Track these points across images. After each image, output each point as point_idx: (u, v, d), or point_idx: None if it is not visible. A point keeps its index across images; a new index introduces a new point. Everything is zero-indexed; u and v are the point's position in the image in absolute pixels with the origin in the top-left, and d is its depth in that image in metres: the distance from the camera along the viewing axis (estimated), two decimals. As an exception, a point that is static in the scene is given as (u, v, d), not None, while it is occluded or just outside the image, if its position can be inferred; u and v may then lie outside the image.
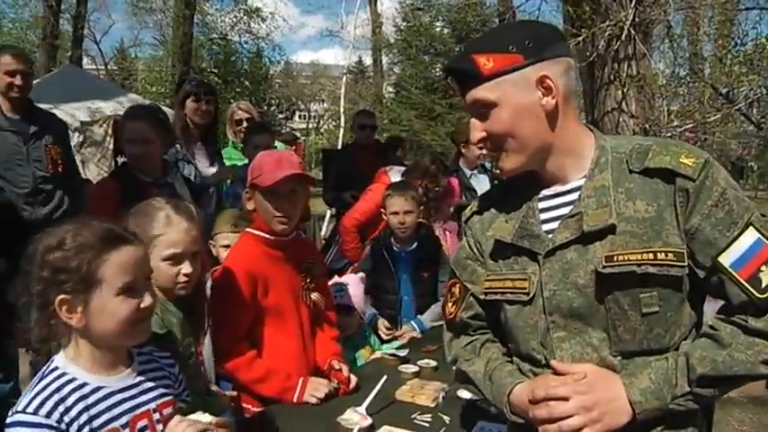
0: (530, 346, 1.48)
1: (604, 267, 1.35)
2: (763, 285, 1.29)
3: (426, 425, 2.17)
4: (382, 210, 3.60)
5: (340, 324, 3.09)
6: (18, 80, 3.80)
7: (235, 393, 2.30)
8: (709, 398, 1.36)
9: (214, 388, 2.31)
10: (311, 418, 2.22)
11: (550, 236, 1.44)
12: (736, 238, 1.31)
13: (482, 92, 1.42)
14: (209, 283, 2.35)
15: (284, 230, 2.43)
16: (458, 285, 1.65)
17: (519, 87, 1.40)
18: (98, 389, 1.45)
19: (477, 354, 1.63)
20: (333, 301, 2.79)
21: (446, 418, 2.21)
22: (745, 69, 6.35)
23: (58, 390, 1.41)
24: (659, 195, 1.36)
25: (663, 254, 1.33)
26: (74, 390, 1.42)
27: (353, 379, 2.46)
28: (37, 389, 1.41)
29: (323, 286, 2.69)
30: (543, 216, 1.48)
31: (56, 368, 1.44)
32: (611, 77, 5.60)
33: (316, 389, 2.35)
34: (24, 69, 3.87)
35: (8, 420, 1.37)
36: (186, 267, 2.01)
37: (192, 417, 1.52)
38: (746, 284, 1.31)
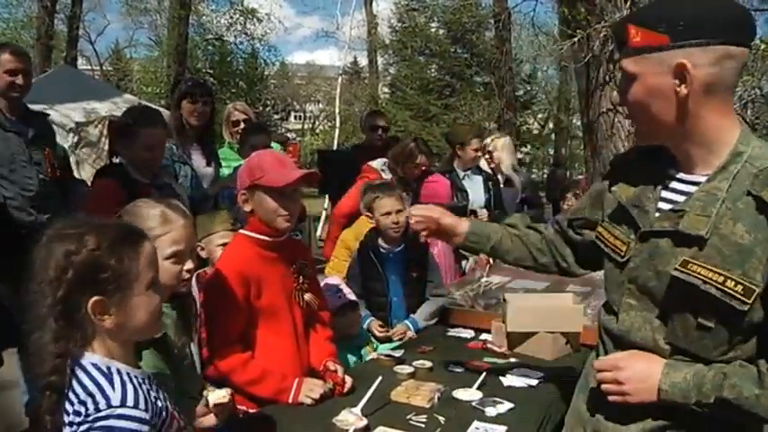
0: (611, 297, 1.63)
1: (676, 270, 1.42)
2: None
3: (422, 426, 2.17)
4: (367, 213, 3.59)
5: (347, 322, 3.12)
6: (20, 80, 3.62)
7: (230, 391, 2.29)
8: (722, 416, 1.43)
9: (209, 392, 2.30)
10: (306, 419, 2.22)
11: (655, 218, 1.51)
12: None
13: (627, 62, 1.47)
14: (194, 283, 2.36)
15: (288, 228, 2.46)
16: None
17: (657, 68, 1.40)
18: (144, 379, 1.45)
19: None
20: (326, 302, 2.79)
21: (441, 419, 2.21)
22: (739, 70, 6.39)
23: (132, 383, 1.39)
24: (760, 228, 1.35)
25: (733, 283, 1.34)
26: (139, 383, 1.41)
27: (348, 380, 2.45)
28: (118, 383, 1.36)
29: (315, 287, 2.69)
30: (665, 195, 1.52)
31: (106, 366, 1.39)
32: (607, 78, 5.62)
33: (311, 389, 2.34)
34: (26, 68, 3.70)
35: (103, 414, 1.31)
36: (189, 264, 2.02)
37: (211, 397, 1.73)
38: None
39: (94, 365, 1.37)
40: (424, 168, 4.65)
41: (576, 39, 5.52)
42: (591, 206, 1.84)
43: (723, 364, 1.42)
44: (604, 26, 5.38)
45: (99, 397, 1.33)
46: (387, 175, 4.47)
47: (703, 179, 1.45)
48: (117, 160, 3.46)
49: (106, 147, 10.06)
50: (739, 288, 1.33)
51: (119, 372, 1.38)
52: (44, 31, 17.06)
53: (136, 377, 1.42)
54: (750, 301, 1.33)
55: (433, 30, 25.54)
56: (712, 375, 1.41)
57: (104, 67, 29.07)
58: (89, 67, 27.39)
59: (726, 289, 1.35)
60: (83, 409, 1.32)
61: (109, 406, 1.32)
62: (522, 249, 2.08)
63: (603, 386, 1.56)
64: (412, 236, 3.59)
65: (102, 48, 36.84)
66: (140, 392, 1.37)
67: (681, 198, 1.48)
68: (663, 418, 1.52)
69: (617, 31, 1.51)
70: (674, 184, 1.52)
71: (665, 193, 1.52)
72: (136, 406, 1.34)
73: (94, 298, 1.36)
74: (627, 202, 1.58)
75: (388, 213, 3.44)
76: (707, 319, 1.39)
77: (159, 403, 1.43)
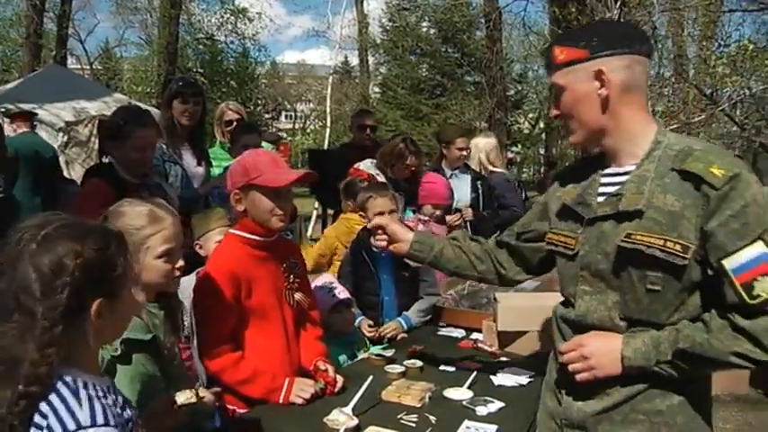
0: (567, 292, 1.83)
1: (623, 241, 1.62)
2: (755, 293, 1.49)
3: (413, 425, 2.17)
4: (361, 213, 3.59)
5: (342, 320, 3.13)
6: None
7: (219, 390, 2.28)
8: (688, 372, 1.60)
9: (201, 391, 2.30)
10: (297, 419, 2.22)
11: (597, 207, 1.72)
12: (743, 248, 1.50)
13: (555, 77, 1.74)
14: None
15: (281, 228, 2.47)
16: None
17: (581, 77, 1.68)
18: (108, 389, 1.39)
19: None
20: (316, 301, 2.79)
21: (432, 419, 2.21)
22: (728, 71, 6.42)
23: (98, 398, 1.32)
24: (687, 195, 1.56)
25: (672, 243, 1.56)
26: (104, 394, 1.35)
27: (339, 379, 2.45)
28: (85, 400, 1.29)
29: (306, 286, 2.68)
30: (602, 189, 1.75)
31: (73, 380, 1.31)
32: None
33: (301, 389, 2.34)
34: None
35: None
36: (179, 261, 2.02)
37: (179, 397, 1.69)
38: (740, 289, 1.50)
39: (62, 379, 1.30)
40: (413, 169, 4.62)
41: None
42: (538, 219, 2.05)
43: (672, 326, 1.62)
44: (595, 26, 5.40)
45: (67, 418, 1.26)
46: (381, 178, 4.38)
47: (633, 167, 1.68)
48: (106, 160, 3.45)
49: (96, 146, 10.04)
50: (678, 247, 1.55)
51: (85, 386, 1.31)
52: (33, 30, 16.96)
53: (101, 388, 1.35)
54: (688, 257, 1.54)
55: (423, 29, 25.56)
56: (666, 334, 1.61)
57: (94, 67, 28.92)
58: (79, 67, 27.25)
59: (667, 249, 1.56)
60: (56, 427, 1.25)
61: (78, 427, 1.25)
62: (462, 258, 2.25)
63: (571, 366, 1.72)
64: None
65: (92, 47, 36.75)
66: (106, 407, 1.31)
67: (616, 187, 1.70)
68: (622, 386, 1.69)
69: (545, 55, 1.78)
70: (608, 178, 1.75)
71: (602, 188, 1.75)
72: (106, 423, 1.28)
73: (98, 300, 1.32)
74: (571, 202, 1.81)
75: (381, 213, 3.44)
76: (654, 283, 1.60)
77: (125, 414, 1.39)
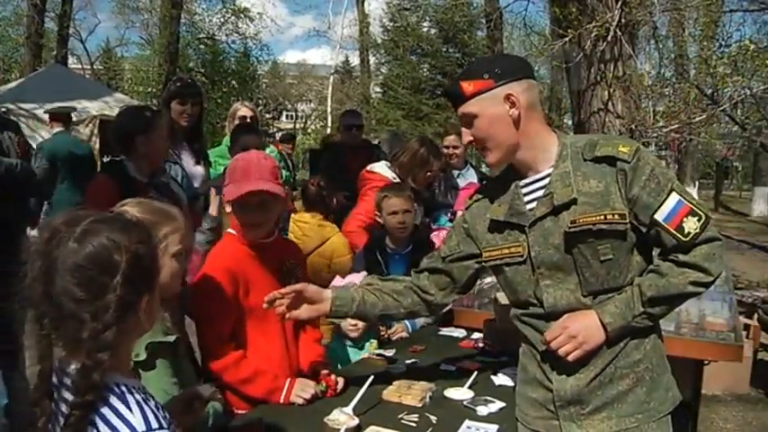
0: (526, 295, 1.97)
1: (570, 228, 1.84)
2: (686, 231, 1.79)
3: (413, 425, 2.17)
4: (377, 212, 3.57)
5: (354, 326, 3.07)
6: None
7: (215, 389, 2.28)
8: (658, 315, 1.87)
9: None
10: (298, 419, 2.22)
11: (531, 212, 1.92)
12: (664, 201, 1.81)
13: (467, 107, 1.93)
14: None
15: (255, 237, 2.44)
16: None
17: (492, 103, 1.89)
18: (145, 393, 1.31)
19: None
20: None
21: (433, 419, 2.21)
22: (729, 71, 6.41)
23: (144, 401, 1.26)
24: (606, 175, 1.85)
25: (611, 215, 1.81)
26: (144, 396, 1.28)
27: (341, 382, 2.45)
28: (134, 405, 1.23)
29: None
30: (526, 198, 1.95)
31: (115, 384, 1.24)
32: (598, 78, 5.64)
33: (302, 389, 2.34)
34: None
35: None
36: (186, 262, 2.01)
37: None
38: (675, 232, 1.80)
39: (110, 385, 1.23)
40: (433, 173, 4.37)
41: (567, 38, 5.53)
42: (463, 242, 2.16)
43: (631, 286, 1.87)
44: (596, 26, 5.39)
45: (121, 426, 1.19)
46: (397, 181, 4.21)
47: (551, 169, 1.91)
48: (106, 159, 3.46)
49: (97, 146, 10.04)
50: (616, 216, 1.81)
51: (129, 390, 1.25)
52: (34, 30, 16.92)
53: (141, 391, 1.29)
54: (627, 221, 1.82)
55: (424, 29, 25.57)
56: (630, 293, 1.85)
57: (95, 66, 28.95)
58: (80, 66, 27.27)
59: (609, 221, 1.82)
60: None
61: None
62: (385, 299, 2.29)
63: (562, 349, 1.85)
64: (419, 238, 3.59)
65: (93, 47, 36.69)
66: (155, 410, 1.25)
67: (542, 190, 1.92)
68: (605, 355, 1.88)
69: (452, 92, 1.97)
70: (529, 186, 1.96)
71: (527, 196, 1.95)
72: (161, 427, 1.22)
73: (146, 296, 1.26)
74: (504, 216, 1.98)
75: (395, 213, 3.43)
76: (605, 253, 1.83)
77: (167, 415, 1.30)
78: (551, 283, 1.91)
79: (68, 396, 1.22)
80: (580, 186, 1.85)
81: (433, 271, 2.25)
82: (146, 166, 3.25)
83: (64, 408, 1.23)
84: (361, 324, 3.04)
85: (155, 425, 1.20)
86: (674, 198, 1.81)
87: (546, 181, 1.91)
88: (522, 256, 1.94)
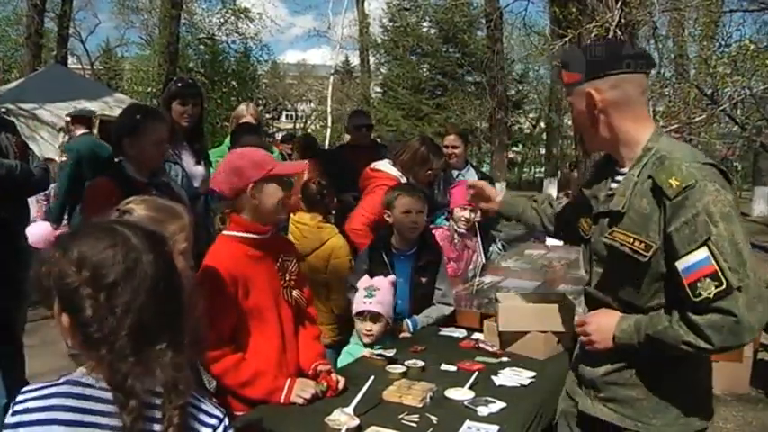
0: (586, 269, 2.18)
1: (605, 238, 1.96)
2: (697, 292, 1.73)
3: (414, 425, 2.17)
4: (386, 211, 3.52)
5: (368, 331, 3.07)
6: None
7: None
8: (656, 351, 1.89)
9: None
10: (298, 419, 2.22)
11: (601, 204, 2.05)
12: (691, 252, 1.74)
13: (567, 95, 2.06)
14: None
15: (281, 221, 2.59)
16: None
17: (578, 98, 1.98)
18: None
19: None
20: (312, 297, 2.78)
21: (434, 419, 2.21)
22: (729, 71, 6.41)
23: None
24: (653, 201, 1.83)
25: (638, 242, 1.85)
26: None
27: (341, 381, 2.45)
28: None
29: (302, 282, 2.68)
30: (612, 186, 2.03)
31: None
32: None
33: (302, 389, 2.34)
34: None
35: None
36: (191, 260, 2.01)
37: None
38: (687, 288, 1.75)
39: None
40: (434, 172, 4.41)
41: (567, 38, 5.54)
42: (577, 206, 2.32)
43: (653, 312, 1.90)
44: (595, 26, 5.40)
45: (207, 418, 1.32)
46: (404, 180, 4.21)
47: (627, 171, 1.96)
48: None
49: (97, 146, 10.01)
50: (642, 246, 1.84)
51: None
52: (34, 30, 16.93)
53: None
54: (649, 255, 1.83)
55: (424, 29, 25.60)
56: (647, 320, 1.89)
57: (95, 66, 28.95)
58: (80, 66, 27.27)
59: (633, 247, 1.86)
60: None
61: (221, 414, 1.34)
62: (535, 217, 2.70)
63: (580, 338, 2.12)
64: (426, 239, 3.58)
65: (93, 47, 36.67)
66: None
67: (617, 186, 1.99)
68: (619, 361, 2.01)
69: (560, 76, 2.11)
70: (617, 177, 2.02)
71: (612, 186, 2.03)
72: (224, 414, 1.36)
73: None
74: (589, 195, 2.13)
75: (409, 212, 3.40)
76: (630, 273, 1.90)
77: None
78: (598, 271, 2.07)
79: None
80: (633, 201, 1.88)
81: (559, 215, 2.60)
82: (140, 167, 3.23)
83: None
84: (375, 329, 3.04)
85: (221, 412, 1.34)
86: (702, 253, 1.72)
87: (620, 180, 1.99)
88: (586, 235, 2.13)
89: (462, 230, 4.23)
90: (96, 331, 1.18)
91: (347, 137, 6.46)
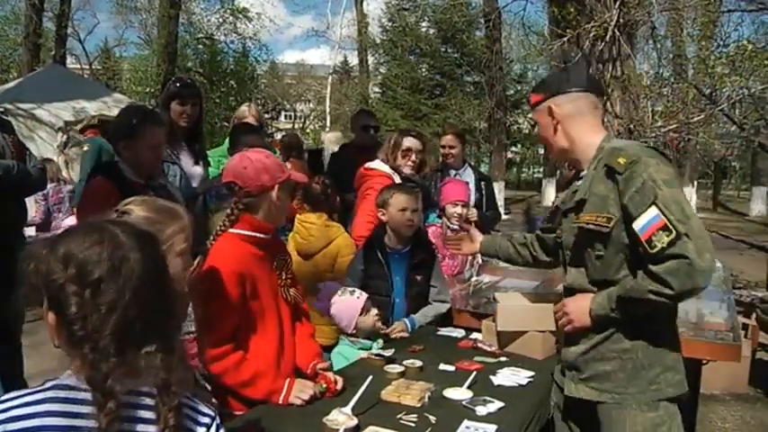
0: (562, 263, 2.43)
1: (574, 222, 2.24)
2: (653, 244, 1.98)
3: (412, 425, 2.17)
4: (381, 209, 3.52)
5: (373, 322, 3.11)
6: None
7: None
8: (629, 312, 2.10)
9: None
10: (297, 419, 2.22)
11: (565, 204, 2.35)
12: (643, 212, 2.01)
13: (534, 114, 2.41)
14: None
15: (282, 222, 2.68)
16: None
17: (542, 114, 2.33)
18: None
19: None
20: (304, 295, 2.79)
21: (432, 419, 2.21)
22: (727, 70, 6.42)
23: None
24: (609, 182, 2.11)
25: (601, 218, 2.11)
26: None
27: (339, 381, 2.45)
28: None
29: (295, 281, 2.71)
30: (576, 184, 2.30)
31: None
32: (596, 78, 5.63)
33: (301, 390, 2.34)
34: None
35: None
36: (191, 261, 2.01)
37: None
38: (645, 243, 2.01)
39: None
40: (416, 160, 4.41)
41: (565, 38, 5.54)
42: (550, 219, 2.65)
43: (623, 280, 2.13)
44: (594, 26, 5.40)
45: (201, 417, 1.33)
46: (397, 179, 4.24)
47: (586, 170, 2.26)
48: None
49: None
50: (603, 219, 2.10)
51: None
52: (32, 29, 16.88)
53: None
54: (611, 226, 2.08)
55: (423, 29, 25.57)
56: (616, 288, 2.11)
57: (94, 66, 28.91)
58: (78, 66, 27.23)
59: (597, 222, 2.12)
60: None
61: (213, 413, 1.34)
62: (513, 251, 2.93)
63: (560, 322, 2.31)
64: (419, 238, 3.58)
65: (92, 46, 36.65)
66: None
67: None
68: (596, 333, 2.20)
69: (528, 99, 2.44)
70: (579, 178, 2.31)
71: (576, 185, 2.31)
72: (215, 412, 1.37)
73: None
74: (559, 202, 2.44)
75: (404, 210, 3.41)
76: (598, 249, 2.15)
77: None
78: (572, 270, 2.31)
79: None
80: (593, 188, 2.16)
81: (538, 238, 2.81)
82: (136, 169, 3.21)
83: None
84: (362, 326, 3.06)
85: (213, 410, 1.34)
86: (652, 211, 1.99)
87: (582, 178, 2.28)
88: (560, 238, 2.40)
89: (455, 227, 4.22)
90: (80, 329, 1.16)
91: (352, 136, 6.40)
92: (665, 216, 1.97)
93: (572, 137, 2.27)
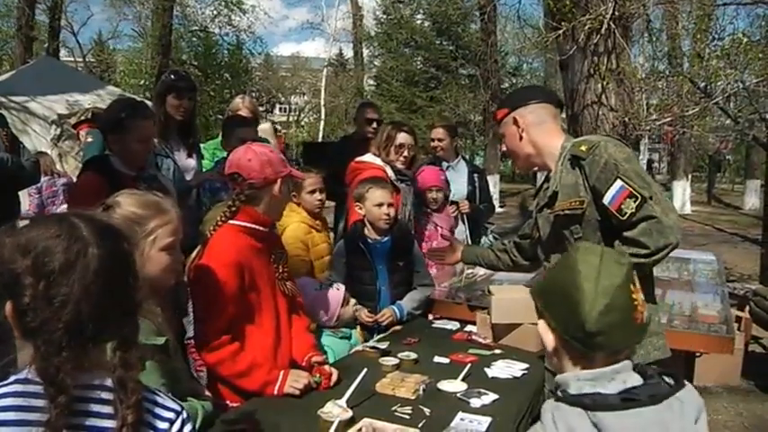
0: (542, 258, 2.57)
1: (550, 213, 2.41)
2: (623, 212, 2.15)
3: (407, 417, 2.18)
4: (358, 203, 3.55)
5: (352, 312, 3.22)
6: None
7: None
8: None
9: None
10: (292, 411, 2.22)
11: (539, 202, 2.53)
12: (610, 186, 2.18)
13: (499, 128, 2.59)
14: None
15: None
16: None
17: (508, 125, 2.51)
18: None
19: None
20: (298, 289, 2.80)
21: (426, 411, 2.22)
22: (722, 64, 6.41)
23: None
24: (575, 170, 2.29)
25: (575, 202, 2.28)
26: None
27: (334, 373, 2.46)
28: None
29: (291, 274, 2.73)
30: (547, 184, 2.49)
31: None
32: (591, 71, 5.63)
33: (295, 380, 2.35)
34: None
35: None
36: (181, 254, 2.01)
37: None
38: (616, 213, 2.17)
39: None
40: (407, 154, 4.39)
41: (561, 31, 5.52)
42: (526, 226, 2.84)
43: None
44: (589, 19, 5.38)
45: (164, 412, 1.28)
46: (389, 170, 4.24)
47: (553, 169, 2.43)
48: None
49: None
50: (577, 202, 2.27)
51: None
52: (24, 22, 16.75)
53: None
54: (584, 206, 2.25)
55: (418, 22, 25.49)
56: None
57: (87, 59, 28.72)
58: (72, 59, 27.07)
59: (572, 206, 2.29)
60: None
61: (179, 409, 1.30)
62: (493, 257, 3.11)
63: None
64: (399, 227, 3.60)
65: (86, 39, 36.45)
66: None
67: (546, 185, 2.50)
68: None
69: (494, 117, 2.66)
70: (547, 182, 2.49)
71: (545, 186, 2.50)
72: (182, 407, 1.31)
73: None
74: (530, 205, 2.61)
75: (381, 205, 3.43)
76: (577, 232, 2.30)
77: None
78: (553, 253, 2.41)
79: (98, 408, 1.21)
80: (563, 180, 2.34)
81: (516, 243, 2.97)
82: (131, 161, 3.22)
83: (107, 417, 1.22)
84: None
85: (179, 405, 1.29)
86: (617, 184, 2.18)
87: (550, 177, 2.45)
88: (538, 233, 2.53)
89: (431, 210, 4.48)
90: (32, 321, 1.15)
91: (347, 129, 6.36)
92: (630, 185, 2.15)
93: (536, 142, 2.46)
